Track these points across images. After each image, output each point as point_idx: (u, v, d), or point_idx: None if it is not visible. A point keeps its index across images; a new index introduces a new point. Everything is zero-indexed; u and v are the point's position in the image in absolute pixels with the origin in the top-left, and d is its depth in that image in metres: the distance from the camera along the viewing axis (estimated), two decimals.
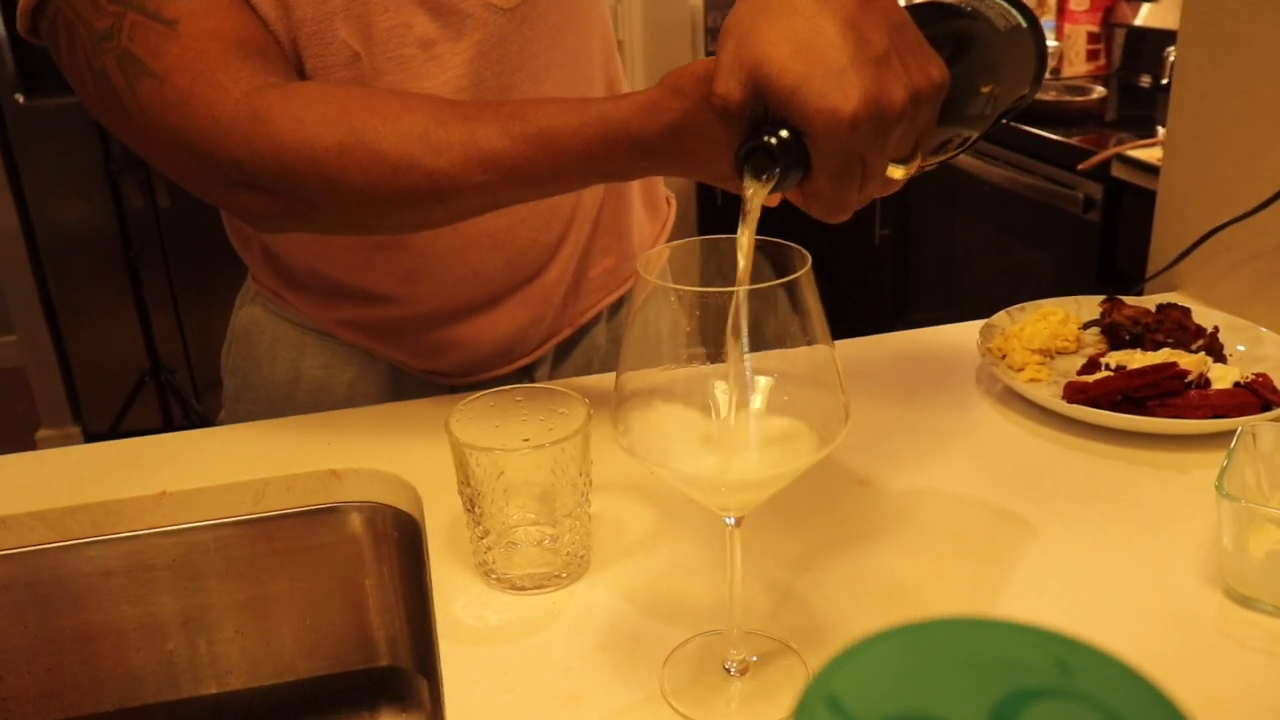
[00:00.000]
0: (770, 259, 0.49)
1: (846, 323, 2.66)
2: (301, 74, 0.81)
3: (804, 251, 0.48)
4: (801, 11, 0.52)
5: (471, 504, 0.65)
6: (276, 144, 0.70)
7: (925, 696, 0.20)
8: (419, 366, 0.99)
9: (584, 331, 1.03)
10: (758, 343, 0.47)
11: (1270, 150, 0.96)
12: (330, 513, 0.81)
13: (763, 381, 0.49)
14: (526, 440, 0.65)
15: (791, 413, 0.49)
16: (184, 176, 0.76)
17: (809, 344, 0.48)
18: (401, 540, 0.81)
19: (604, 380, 0.95)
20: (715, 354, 0.47)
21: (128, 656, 0.81)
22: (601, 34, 0.96)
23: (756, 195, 0.51)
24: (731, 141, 0.54)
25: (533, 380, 1.01)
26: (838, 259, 2.80)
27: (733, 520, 0.53)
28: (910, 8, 0.58)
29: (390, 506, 0.80)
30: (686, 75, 0.60)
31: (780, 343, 0.47)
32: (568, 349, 1.03)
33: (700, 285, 0.48)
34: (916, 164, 0.57)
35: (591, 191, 0.98)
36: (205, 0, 0.73)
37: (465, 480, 0.64)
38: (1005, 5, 0.61)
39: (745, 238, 0.49)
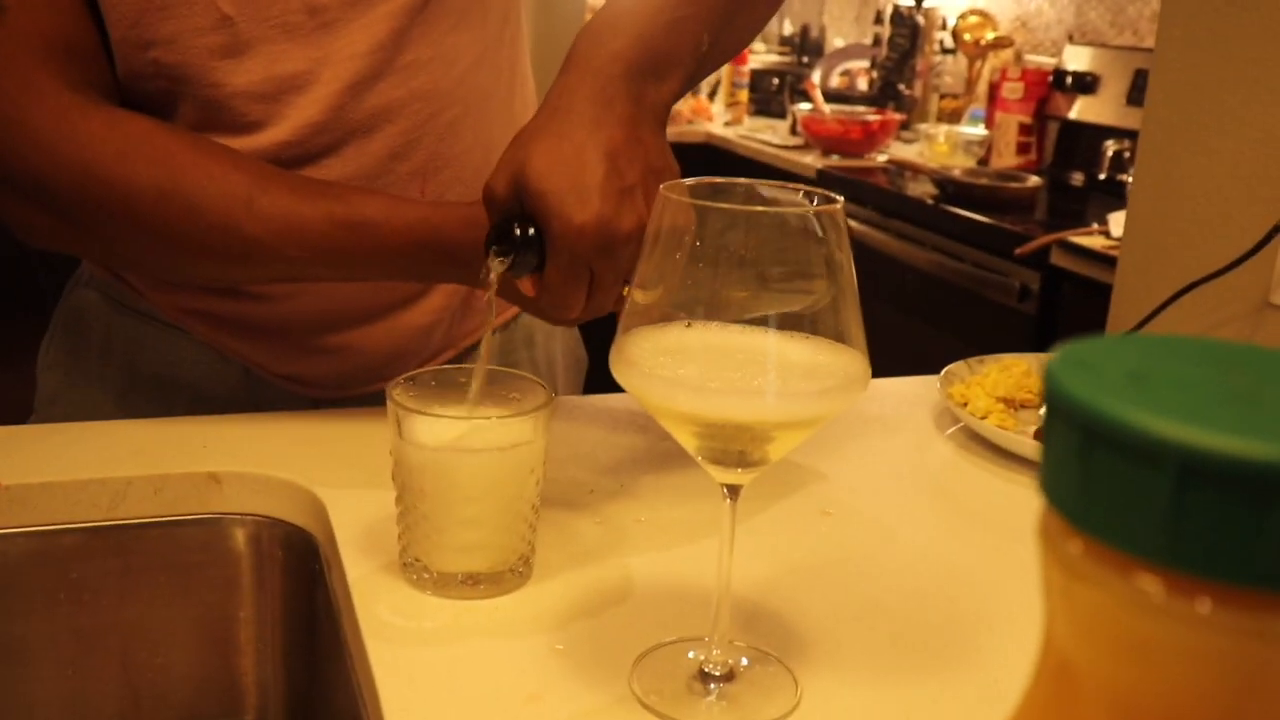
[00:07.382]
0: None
1: None
2: (157, 41, 0.74)
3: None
4: (572, 136, 0.63)
5: (411, 497, 0.57)
6: (88, 172, 0.70)
7: None
8: (280, 372, 0.88)
9: (472, 350, 0.96)
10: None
11: (1237, 209, 0.97)
12: (206, 524, 0.71)
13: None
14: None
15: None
16: None
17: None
18: (289, 563, 0.72)
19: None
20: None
21: None
22: (505, 15, 0.89)
23: (494, 270, 0.62)
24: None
25: None
26: None
27: (729, 493, 0.48)
28: None
29: (281, 521, 0.71)
30: None
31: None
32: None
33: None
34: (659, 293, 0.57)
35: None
36: None
37: (399, 464, 0.57)
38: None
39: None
